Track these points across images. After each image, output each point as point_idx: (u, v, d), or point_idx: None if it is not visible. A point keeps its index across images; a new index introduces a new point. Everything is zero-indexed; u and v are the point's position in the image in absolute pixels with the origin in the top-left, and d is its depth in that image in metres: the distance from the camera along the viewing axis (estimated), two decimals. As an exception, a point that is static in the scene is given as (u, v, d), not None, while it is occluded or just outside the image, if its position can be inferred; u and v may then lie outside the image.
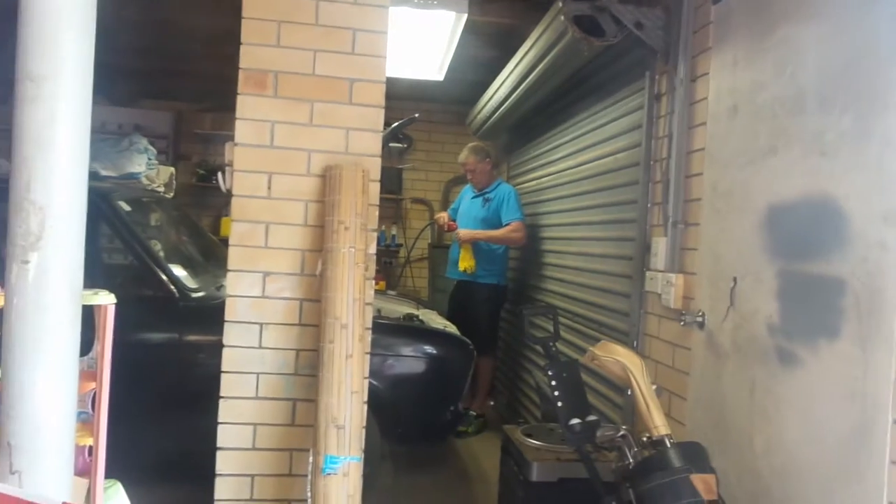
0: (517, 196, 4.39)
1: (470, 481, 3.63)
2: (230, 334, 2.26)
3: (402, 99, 5.42)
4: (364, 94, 2.33)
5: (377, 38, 2.33)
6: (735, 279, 2.05)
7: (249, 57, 2.27)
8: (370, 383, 2.97)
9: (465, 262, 4.39)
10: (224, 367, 2.25)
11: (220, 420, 2.24)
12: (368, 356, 2.30)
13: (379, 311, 4.33)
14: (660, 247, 2.49)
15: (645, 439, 1.73)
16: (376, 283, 5.49)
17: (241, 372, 2.26)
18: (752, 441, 1.90)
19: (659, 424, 1.69)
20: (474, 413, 4.45)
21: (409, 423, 3.10)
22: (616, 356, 1.75)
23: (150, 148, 3.89)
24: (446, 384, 3.10)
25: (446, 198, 5.90)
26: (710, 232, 2.22)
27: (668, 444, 1.67)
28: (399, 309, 4.32)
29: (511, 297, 4.72)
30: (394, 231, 5.77)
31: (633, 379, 1.71)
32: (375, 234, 2.33)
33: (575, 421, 1.87)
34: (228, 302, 2.26)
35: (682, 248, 2.42)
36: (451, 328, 3.73)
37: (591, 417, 1.90)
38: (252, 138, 2.28)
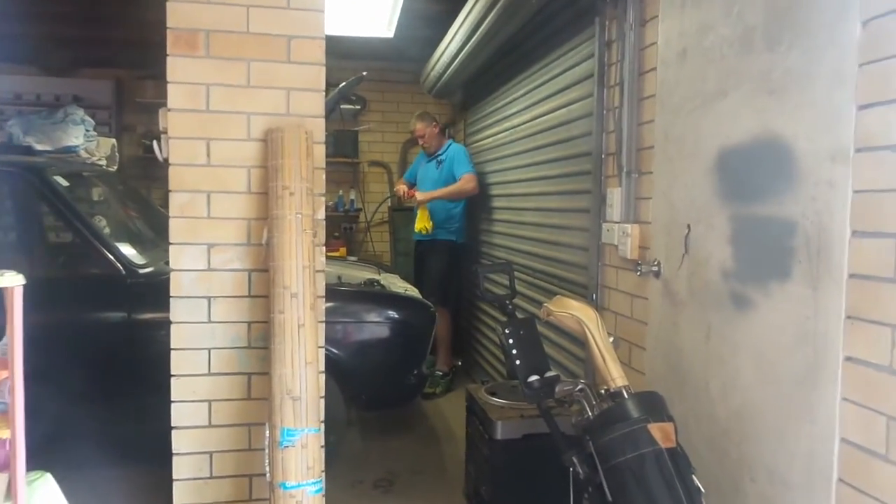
0: (466, 151, 4.61)
1: (438, 442, 3.64)
2: (177, 310, 2.18)
3: (352, 58, 5.26)
4: (303, 51, 2.21)
5: (314, -9, 2.21)
6: (689, 226, 2.03)
7: (177, 15, 2.14)
8: (331, 352, 2.93)
9: (422, 223, 4.50)
10: (174, 344, 2.18)
11: (173, 398, 2.18)
12: (323, 324, 2.24)
13: (339, 277, 4.28)
14: (615, 197, 2.46)
15: (603, 392, 1.72)
16: (337, 250, 5.46)
17: (192, 348, 2.19)
18: (709, 386, 1.91)
19: (616, 377, 1.67)
20: (440, 372, 4.46)
21: (373, 390, 3.07)
22: (570, 311, 1.72)
23: (88, 119, 3.70)
24: (408, 348, 3.07)
25: (404, 159, 5.80)
26: (663, 180, 2.19)
27: (626, 395, 1.66)
28: (360, 275, 4.27)
29: (471, 256, 4.71)
30: (352, 196, 5.65)
31: (588, 333, 1.68)
32: (323, 199, 2.24)
33: (533, 378, 1.85)
34: (173, 276, 2.17)
35: (636, 198, 2.39)
36: (413, 291, 3.69)
37: (550, 373, 1.88)
38: (186, 102, 2.16)
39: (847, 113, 1.43)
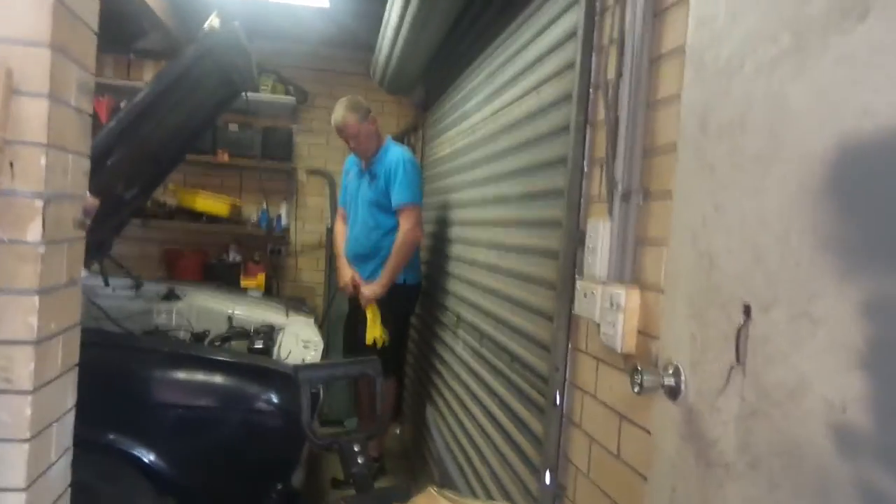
0: (411, 164, 3.13)
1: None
2: None
3: (286, 40, 4.24)
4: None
5: None
6: (748, 308, 0.95)
7: None
8: (143, 456, 1.85)
9: (374, 332, 3.07)
10: None
11: None
12: None
13: (230, 318, 3.23)
14: (600, 237, 1.39)
15: None
16: (254, 277, 4.34)
17: None
18: None
19: None
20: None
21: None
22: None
23: None
24: (265, 450, 1.96)
25: (355, 170, 4.72)
26: (694, 208, 1.12)
27: None
28: (259, 316, 3.23)
29: (429, 303, 3.60)
30: (282, 210, 4.54)
31: None
32: (38, 204, 1.16)
33: None
34: None
35: (638, 240, 1.32)
36: (312, 350, 2.59)
37: None
38: None
39: None
